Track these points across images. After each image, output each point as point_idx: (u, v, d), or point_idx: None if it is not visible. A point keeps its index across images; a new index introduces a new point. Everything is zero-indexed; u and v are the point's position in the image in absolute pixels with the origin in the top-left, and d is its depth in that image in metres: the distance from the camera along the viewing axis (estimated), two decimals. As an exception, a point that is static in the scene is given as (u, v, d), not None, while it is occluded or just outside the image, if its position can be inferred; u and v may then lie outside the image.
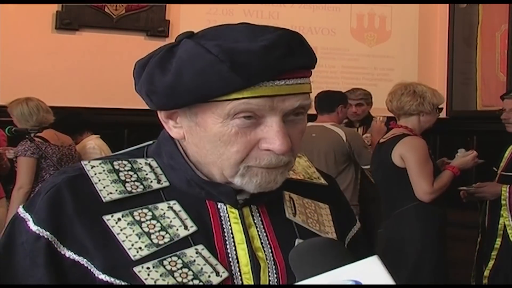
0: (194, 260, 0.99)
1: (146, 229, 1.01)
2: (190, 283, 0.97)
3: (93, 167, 1.06)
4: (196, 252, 1.00)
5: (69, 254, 0.99)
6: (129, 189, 1.04)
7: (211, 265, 0.99)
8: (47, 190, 1.03)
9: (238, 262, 1.02)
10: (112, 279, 0.97)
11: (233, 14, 6.08)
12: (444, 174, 3.49)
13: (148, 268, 0.97)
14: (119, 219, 1.01)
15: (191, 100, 0.98)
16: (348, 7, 6.66)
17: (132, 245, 0.99)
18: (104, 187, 1.03)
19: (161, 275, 0.97)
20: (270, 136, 0.98)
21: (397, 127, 3.58)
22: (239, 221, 1.05)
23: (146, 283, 0.96)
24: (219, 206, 1.06)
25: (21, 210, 1.05)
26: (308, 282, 0.81)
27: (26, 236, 1.01)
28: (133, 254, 0.98)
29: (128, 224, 1.01)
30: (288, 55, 0.97)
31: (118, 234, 1.00)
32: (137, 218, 1.02)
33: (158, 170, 1.08)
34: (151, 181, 1.06)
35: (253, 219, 1.07)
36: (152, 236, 1.00)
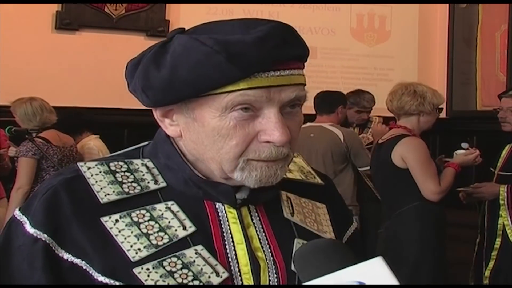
0: (194, 261, 0.99)
1: (144, 230, 1.00)
2: (190, 283, 0.97)
3: (89, 168, 1.05)
4: (196, 253, 1.00)
5: (67, 256, 0.98)
6: (126, 190, 1.03)
7: (210, 265, 0.99)
8: (44, 192, 1.02)
9: (237, 262, 1.02)
10: (112, 281, 0.97)
11: (233, 14, 6.08)
12: (447, 172, 3.48)
13: (147, 269, 0.97)
14: (117, 220, 1.00)
15: (188, 94, 0.98)
16: (348, 7, 6.66)
17: (131, 246, 0.98)
18: (101, 189, 1.02)
19: (161, 276, 0.96)
20: (269, 127, 0.98)
21: (396, 127, 3.58)
22: (238, 221, 1.05)
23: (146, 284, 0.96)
24: (217, 206, 1.05)
25: (17, 213, 1.03)
26: (313, 283, 0.81)
27: (23, 239, 1.00)
28: (132, 255, 0.98)
29: (126, 225, 1.00)
30: (282, 45, 0.97)
31: (116, 235, 0.99)
32: (135, 219, 1.01)
33: (155, 171, 1.07)
34: (148, 182, 1.05)
35: (252, 219, 1.06)
36: (151, 237, 1.00)
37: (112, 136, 5.03)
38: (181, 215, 1.03)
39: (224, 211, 1.05)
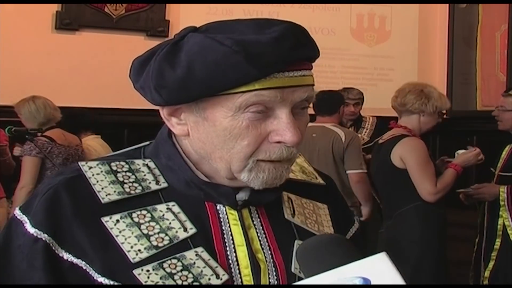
0: (194, 263, 0.98)
1: (145, 231, 1.00)
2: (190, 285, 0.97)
3: (90, 168, 1.04)
4: (196, 255, 0.99)
5: (67, 256, 0.98)
6: (127, 190, 1.03)
7: (211, 267, 0.98)
8: (44, 192, 1.02)
9: (238, 264, 1.01)
10: (112, 282, 0.96)
11: (232, 14, 6.08)
12: (447, 173, 3.48)
13: (148, 270, 0.96)
14: (117, 220, 1.00)
15: (203, 93, 0.97)
16: (348, 7, 6.66)
17: (132, 247, 0.98)
18: (102, 188, 1.02)
19: (161, 278, 0.96)
20: (281, 128, 0.98)
21: (396, 127, 3.57)
22: (239, 222, 1.04)
23: None
24: (218, 208, 1.05)
25: (17, 212, 1.03)
26: (316, 278, 0.80)
27: (23, 238, 0.99)
28: (133, 256, 0.97)
29: (127, 225, 1.00)
30: (297, 46, 0.98)
31: (117, 236, 0.98)
32: (136, 219, 1.01)
33: (156, 171, 1.07)
34: (150, 182, 1.05)
35: (252, 221, 1.06)
36: (152, 238, 0.99)
37: (112, 136, 5.03)
38: (182, 216, 1.02)
39: (225, 213, 1.05)
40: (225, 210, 1.05)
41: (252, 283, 1.01)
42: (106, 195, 1.01)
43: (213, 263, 0.99)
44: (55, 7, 5.66)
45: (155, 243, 0.99)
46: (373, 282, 0.78)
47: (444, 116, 3.58)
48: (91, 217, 1.00)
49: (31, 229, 0.99)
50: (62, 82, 5.57)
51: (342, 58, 6.58)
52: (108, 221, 1.00)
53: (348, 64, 6.61)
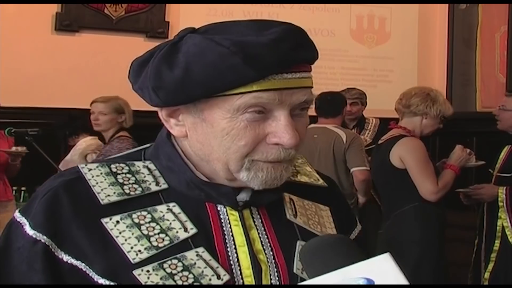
0: (195, 263, 0.98)
1: (145, 232, 0.99)
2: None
3: (90, 170, 1.04)
4: (197, 255, 0.99)
5: (67, 258, 0.97)
6: (127, 191, 1.03)
7: (212, 268, 0.98)
8: (44, 194, 1.01)
9: (239, 265, 1.01)
10: (112, 283, 0.96)
11: (232, 15, 6.08)
12: (446, 173, 3.49)
13: (148, 271, 0.96)
14: (117, 221, 1.00)
15: (201, 94, 0.97)
16: (347, 9, 6.66)
17: (132, 248, 0.98)
18: (102, 190, 1.02)
19: (161, 278, 0.96)
20: (279, 130, 0.98)
21: (396, 128, 3.58)
22: (240, 223, 1.04)
23: None
24: (219, 208, 1.04)
25: (17, 215, 1.03)
26: (320, 279, 0.80)
27: (23, 241, 0.99)
28: (133, 257, 0.97)
29: (127, 226, 0.99)
30: (296, 48, 0.97)
31: (117, 237, 0.98)
32: (136, 220, 1.00)
33: (156, 173, 1.06)
34: (150, 184, 1.05)
35: (254, 221, 1.06)
36: (152, 239, 0.99)
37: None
38: (183, 217, 1.02)
39: (225, 213, 1.04)
40: (226, 211, 1.04)
41: (254, 284, 1.01)
42: (106, 197, 1.01)
43: (214, 263, 0.99)
44: (54, 8, 5.66)
45: (155, 244, 0.98)
46: (377, 282, 0.77)
47: (443, 118, 3.59)
48: (91, 219, 0.99)
49: (31, 231, 0.99)
50: (61, 83, 5.56)
51: (342, 59, 6.58)
52: (108, 222, 0.99)
53: (347, 65, 6.61)
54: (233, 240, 1.03)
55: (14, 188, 4.46)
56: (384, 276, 0.78)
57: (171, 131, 1.06)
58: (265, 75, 0.95)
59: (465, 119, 6.42)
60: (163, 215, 1.02)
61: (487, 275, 3.63)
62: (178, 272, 0.97)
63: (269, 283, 1.02)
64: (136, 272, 0.96)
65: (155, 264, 0.97)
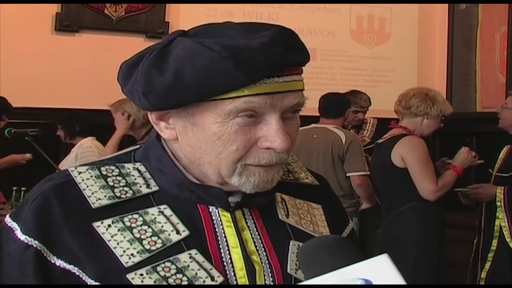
0: (188, 265, 0.97)
1: (137, 235, 0.99)
2: None
3: (80, 173, 1.04)
4: (190, 257, 0.98)
5: (59, 263, 0.97)
6: (118, 194, 1.02)
7: (205, 269, 0.98)
8: (34, 198, 1.00)
9: (233, 266, 1.01)
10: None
11: (232, 15, 6.08)
12: (447, 173, 3.50)
13: (141, 274, 0.96)
14: (109, 225, 0.99)
15: (191, 99, 0.96)
16: (347, 9, 6.66)
17: (124, 251, 0.97)
18: (92, 193, 1.01)
19: (155, 282, 0.95)
20: (270, 134, 0.98)
21: (396, 128, 3.58)
22: (232, 224, 1.04)
23: None
24: (210, 210, 1.04)
25: (8, 220, 1.02)
26: (317, 280, 0.80)
27: (14, 246, 0.98)
28: (125, 261, 0.96)
29: (118, 230, 0.99)
30: (287, 51, 0.97)
31: (109, 241, 0.98)
32: (128, 224, 1.00)
33: (147, 175, 1.06)
34: (140, 186, 1.04)
35: (246, 222, 1.05)
36: (144, 242, 0.98)
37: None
38: (174, 219, 1.01)
39: (217, 215, 1.04)
40: (218, 212, 1.04)
41: (249, 284, 1.00)
42: (97, 200, 1.00)
43: (207, 265, 0.98)
44: (54, 9, 5.66)
45: (147, 247, 0.98)
46: (375, 283, 0.78)
47: (443, 117, 3.60)
48: (82, 223, 0.99)
49: (22, 236, 0.98)
50: (61, 84, 5.57)
51: (342, 60, 6.58)
52: (100, 226, 0.99)
53: (347, 65, 6.61)
54: (226, 241, 1.03)
55: (14, 188, 4.46)
56: (382, 276, 0.78)
57: (161, 134, 1.05)
58: (256, 79, 0.94)
59: (465, 119, 6.42)
60: (155, 218, 1.01)
61: (483, 274, 3.63)
62: (172, 275, 0.96)
63: (264, 284, 1.02)
64: (129, 276, 0.95)
65: (149, 267, 0.96)
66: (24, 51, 5.51)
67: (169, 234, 1.00)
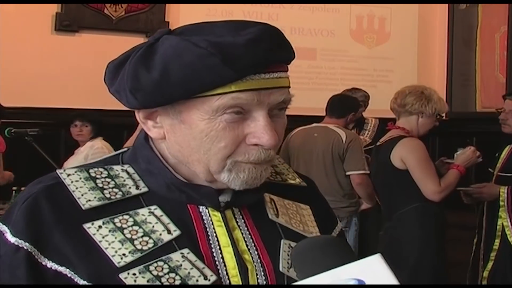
0: (181, 265, 0.98)
1: (128, 235, 0.99)
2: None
3: (69, 175, 1.03)
4: (182, 256, 0.98)
5: (50, 264, 0.97)
6: (107, 196, 1.02)
7: (198, 269, 0.98)
8: (24, 201, 1.00)
9: (225, 266, 1.01)
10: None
11: (232, 15, 6.08)
12: (450, 173, 3.48)
13: (134, 274, 0.96)
14: (100, 226, 0.99)
15: (179, 96, 0.97)
16: (347, 9, 6.67)
17: (116, 252, 0.97)
18: (82, 195, 1.01)
19: (148, 281, 0.95)
20: (258, 130, 0.98)
21: (394, 128, 3.58)
22: (223, 223, 1.04)
23: None
24: (201, 210, 1.04)
25: None
26: (311, 280, 0.80)
27: (5, 248, 0.98)
28: (117, 261, 0.96)
29: (109, 231, 0.99)
30: (273, 48, 0.98)
31: (100, 241, 0.97)
32: (119, 224, 1.00)
33: (136, 176, 1.06)
34: (130, 187, 1.04)
35: (237, 222, 1.06)
36: (136, 242, 0.98)
37: (112, 137, 5.02)
38: (165, 219, 1.02)
39: (208, 215, 1.04)
40: (208, 212, 1.04)
41: (243, 284, 1.01)
42: (87, 201, 1.00)
43: (200, 264, 0.98)
44: (54, 9, 5.67)
45: (139, 247, 0.98)
46: (368, 283, 0.78)
47: (444, 118, 3.59)
48: (72, 224, 0.98)
49: (12, 239, 0.98)
50: (61, 84, 5.57)
51: (342, 60, 6.59)
52: (90, 227, 0.99)
53: (347, 65, 6.61)
54: (217, 241, 1.03)
55: (14, 188, 4.46)
56: (375, 276, 0.78)
57: (149, 133, 1.05)
58: (243, 75, 0.95)
59: (464, 119, 6.43)
60: (145, 218, 1.01)
61: (486, 273, 3.63)
62: (165, 274, 0.96)
63: (256, 283, 1.02)
64: (122, 275, 0.95)
65: (141, 266, 0.96)
66: (24, 51, 5.51)
67: (161, 234, 1.00)
